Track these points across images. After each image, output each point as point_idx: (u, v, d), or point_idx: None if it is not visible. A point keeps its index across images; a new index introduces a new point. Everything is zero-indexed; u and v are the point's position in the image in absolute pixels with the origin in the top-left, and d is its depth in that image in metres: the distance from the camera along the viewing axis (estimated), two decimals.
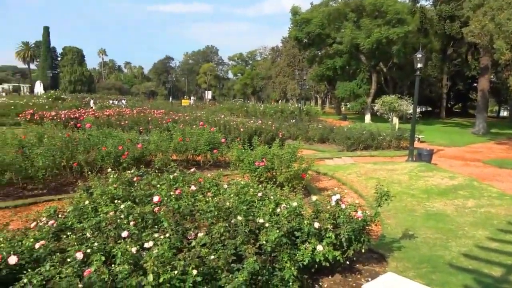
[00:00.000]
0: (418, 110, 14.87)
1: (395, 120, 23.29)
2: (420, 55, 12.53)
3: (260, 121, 17.39)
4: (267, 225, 4.28)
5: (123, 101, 38.48)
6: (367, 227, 4.81)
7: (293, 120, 23.56)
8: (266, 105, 35.78)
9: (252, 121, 17.21)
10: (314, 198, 5.12)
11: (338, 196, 5.01)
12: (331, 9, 36.74)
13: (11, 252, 3.67)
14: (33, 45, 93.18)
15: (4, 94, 59.17)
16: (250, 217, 4.49)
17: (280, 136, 14.25)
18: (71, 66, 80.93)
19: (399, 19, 32.29)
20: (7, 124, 14.52)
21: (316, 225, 4.42)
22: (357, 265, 4.93)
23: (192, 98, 78.93)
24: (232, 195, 5.07)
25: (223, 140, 11.05)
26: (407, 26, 31.85)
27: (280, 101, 65.93)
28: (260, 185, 5.67)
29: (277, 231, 4.08)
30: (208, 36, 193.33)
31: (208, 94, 67.67)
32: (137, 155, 8.95)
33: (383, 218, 6.81)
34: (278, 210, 4.68)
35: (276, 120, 21.74)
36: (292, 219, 4.49)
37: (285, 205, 4.75)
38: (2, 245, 3.85)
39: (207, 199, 4.92)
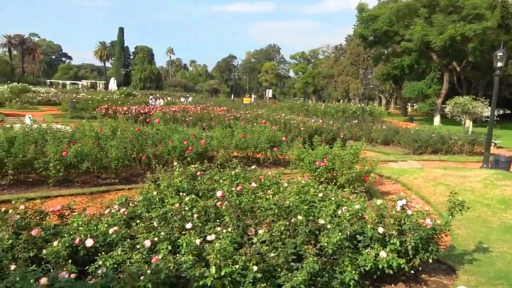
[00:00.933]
0: (495, 113, 13.65)
1: (468, 123, 21.68)
2: (501, 53, 11.50)
3: (321, 121, 17.14)
4: (328, 226, 4.20)
5: (190, 99, 40.19)
6: (435, 236, 4.53)
7: (355, 121, 22.89)
8: (327, 105, 35.17)
9: (312, 120, 17.03)
10: (378, 202, 4.93)
11: (404, 201, 4.79)
12: (400, 5, 35.05)
13: (88, 235, 4.00)
14: (109, 45, 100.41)
15: (83, 89, 64.42)
16: (311, 217, 4.44)
17: (342, 136, 13.96)
18: (142, 64, 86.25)
19: (477, 14, 29.87)
20: (85, 118, 15.85)
21: (380, 230, 4.25)
22: (423, 276, 4.67)
23: (253, 96, 79.96)
24: (292, 194, 5.04)
25: (283, 138, 11.05)
26: (485, 22, 29.36)
27: (341, 100, 64.42)
28: (320, 186, 5.58)
29: (339, 233, 3.99)
30: (271, 34, 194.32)
31: (269, 93, 68.07)
32: (200, 150, 9.26)
33: (453, 228, 6.32)
34: (339, 212, 4.58)
35: (337, 120, 21.29)
36: (354, 222, 4.37)
37: (347, 208, 4.64)
38: (80, 228, 4.21)
39: (268, 197, 4.94)
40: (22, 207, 4.56)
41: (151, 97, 37.48)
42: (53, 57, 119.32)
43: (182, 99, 41.41)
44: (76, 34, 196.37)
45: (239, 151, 10.80)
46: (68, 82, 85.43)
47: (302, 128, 14.35)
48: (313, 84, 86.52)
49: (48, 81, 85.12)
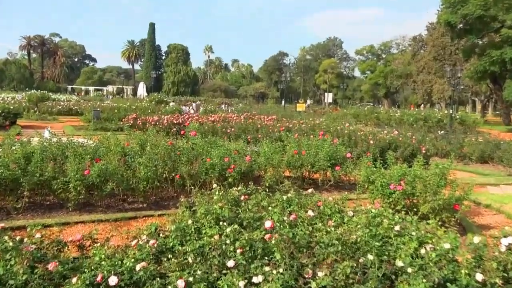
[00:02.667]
0: None
1: None
2: None
3: (396, 132, 16.74)
4: (409, 270, 4.03)
5: (193, 105, 41.07)
6: None
7: (441, 132, 22.19)
8: (404, 111, 34.29)
9: (385, 132, 16.68)
10: (475, 238, 4.65)
11: (510, 239, 4.49)
12: None
13: (112, 272, 4.12)
14: (138, 44, 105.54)
15: (110, 96, 67.97)
16: (385, 257, 4.31)
17: (423, 151, 13.59)
18: (175, 66, 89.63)
19: None
20: (110, 130, 16.71)
21: (479, 277, 4.01)
22: None
23: (308, 101, 79.88)
24: (360, 226, 4.94)
25: (348, 155, 10.88)
26: None
27: (422, 105, 62.48)
28: (396, 215, 5.40)
29: (423, 280, 3.81)
30: (330, 26, 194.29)
31: (329, 97, 67.64)
32: (244, 169, 9.34)
33: None
34: (423, 251, 4.41)
35: (418, 131, 20.78)
36: (443, 266, 4.15)
37: (433, 246, 4.43)
38: (103, 262, 4.35)
39: (328, 229, 4.86)
40: (38, 235, 4.81)
41: (193, 105, 38.84)
42: (76, 59, 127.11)
43: (223, 107, 42.57)
44: (101, 32, 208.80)
45: (292, 170, 10.77)
46: (91, 88, 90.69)
47: (371, 142, 14.14)
48: (385, 86, 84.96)
49: (69, 87, 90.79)
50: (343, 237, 4.49)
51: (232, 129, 17.07)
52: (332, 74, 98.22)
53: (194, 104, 39.37)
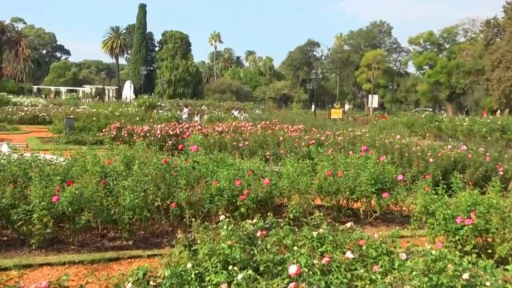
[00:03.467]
0: None
1: None
2: None
3: (463, 147, 16.53)
4: None
5: (184, 111, 41.50)
6: None
7: None
8: (474, 119, 33.93)
9: (449, 147, 16.48)
10: None
11: None
12: None
13: None
14: (124, 31, 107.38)
15: (85, 100, 68.98)
16: None
17: (501, 173, 13.40)
18: (172, 60, 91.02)
19: None
20: (87, 143, 16.87)
21: None
22: None
23: (346, 106, 80.00)
24: (416, 274, 4.88)
25: (399, 177, 10.77)
26: None
27: (499, 111, 61.79)
28: (465, 259, 5.33)
29: None
30: (377, 7, 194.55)
31: (373, 100, 67.63)
32: (261, 196, 9.32)
33: None
34: None
35: (493, 146, 20.44)
36: None
37: None
38: None
39: (374, 277, 4.82)
40: None
41: (184, 110, 39.27)
42: (44, 51, 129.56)
43: (234, 113, 42.87)
44: (77, 17, 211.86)
45: (324, 197, 10.72)
46: (63, 88, 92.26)
47: (431, 160, 14.03)
48: (449, 85, 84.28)
49: (35, 87, 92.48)
50: (393, 287, 4.44)
51: (246, 143, 17.13)
52: (378, 70, 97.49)
53: (185, 110, 39.81)
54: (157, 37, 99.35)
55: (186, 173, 9.82)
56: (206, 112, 40.53)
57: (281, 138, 17.72)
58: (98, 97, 78.38)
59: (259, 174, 10.31)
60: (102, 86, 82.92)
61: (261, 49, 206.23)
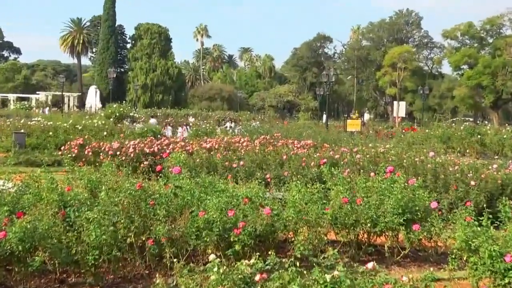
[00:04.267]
0: None
1: None
2: None
3: None
4: None
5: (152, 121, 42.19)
6: None
7: None
8: None
9: (495, 166, 16.47)
10: None
11: None
12: None
13: None
14: (87, 24, 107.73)
15: (39, 110, 69.03)
16: None
17: None
18: (148, 59, 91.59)
19: None
20: (42, 164, 16.77)
21: None
22: None
23: (366, 115, 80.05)
24: None
25: (433, 204, 10.72)
26: None
27: None
28: None
29: None
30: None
31: (400, 108, 67.76)
32: (261, 230, 9.29)
33: None
34: None
35: None
36: None
37: None
38: None
39: None
40: None
41: (168, 127, 39.63)
42: None
43: (227, 125, 42.94)
44: (29, 7, 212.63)
45: (340, 230, 10.68)
46: (12, 96, 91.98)
47: (472, 183, 13.94)
48: (493, 89, 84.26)
49: None
50: None
51: (241, 163, 17.07)
52: (405, 71, 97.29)
53: (152, 120, 40.23)
54: (129, 31, 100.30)
55: (166, 201, 9.78)
56: (191, 124, 40.48)
57: (284, 157, 17.65)
58: (56, 106, 78.31)
59: (257, 202, 10.27)
60: (60, 93, 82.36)
61: (259, 46, 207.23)
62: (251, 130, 35.81)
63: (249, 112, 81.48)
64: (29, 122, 35.79)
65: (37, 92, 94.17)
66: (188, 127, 40.98)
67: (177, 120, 50.21)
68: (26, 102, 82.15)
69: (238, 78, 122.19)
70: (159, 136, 29.55)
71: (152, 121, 41.05)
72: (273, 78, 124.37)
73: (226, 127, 42.82)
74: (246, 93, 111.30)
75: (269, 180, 15.26)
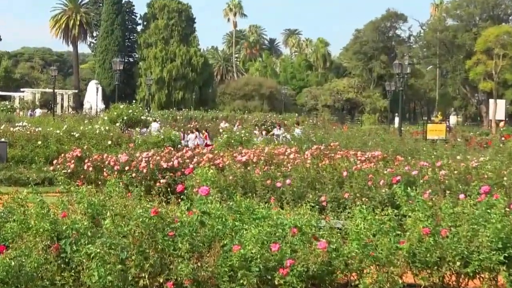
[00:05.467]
0: None
1: None
2: None
3: None
4: None
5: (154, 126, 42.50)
6: None
7: None
8: None
9: None
10: None
11: None
12: None
13: None
14: (86, 1, 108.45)
15: (24, 112, 69.72)
16: None
17: None
18: (165, 45, 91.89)
19: None
20: (29, 182, 16.92)
21: None
22: None
23: (452, 117, 79.35)
24: None
25: None
26: None
27: None
28: None
29: None
30: None
31: (498, 108, 67.06)
32: (314, 269, 9.30)
33: None
34: None
35: None
36: None
37: None
38: None
39: None
40: None
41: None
42: None
43: (277, 132, 42.83)
44: None
45: (419, 271, 10.61)
46: None
47: None
48: None
49: None
50: None
51: (288, 181, 17.01)
52: (505, 59, 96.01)
53: (154, 125, 40.69)
54: (140, 9, 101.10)
55: (190, 232, 9.82)
56: (223, 129, 40.46)
57: (345, 173, 17.59)
58: (46, 107, 78.96)
59: (309, 233, 10.27)
60: (51, 90, 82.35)
61: (309, 27, 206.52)
62: (300, 138, 35.76)
63: (296, 114, 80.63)
64: (11, 129, 35.80)
65: (22, 89, 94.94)
66: (200, 133, 40.86)
67: (203, 125, 50.19)
68: (7, 102, 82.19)
69: (282, 69, 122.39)
70: (179, 146, 29.69)
71: (154, 126, 41.19)
72: (329, 69, 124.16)
73: (273, 134, 42.73)
74: (293, 89, 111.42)
75: (324, 204, 15.23)
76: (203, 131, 42.27)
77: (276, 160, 20.57)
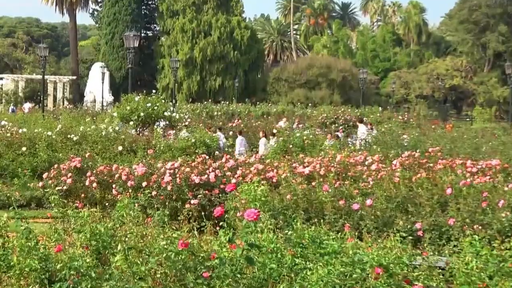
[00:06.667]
0: None
1: None
2: None
3: None
4: None
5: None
6: None
7: None
8: None
9: None
10: None
11: None
12: None
13: None
14: None
15: (3, 107, 70.33)
16: None
17: None
18: (196, 14, 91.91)
19: None
20: (11, 203, 17.05)
21: None
22: None
23: None
24: None
25: None
26: None
27: None
28: None
29: None
30: None
31: None
32: None
33: None
34: None
35: None
36: None
37: None
38: None
39: None
40: None
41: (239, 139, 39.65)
42: None
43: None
44: None
45: None
46: None
47: None
48: None
49: None
50: None
51: (369, 202, 16.86)
52: None
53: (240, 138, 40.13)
54: None
55: (233, 272, 9.85)
56: (278, 130, 40.12)
57: (449, 191, 17.39)
58: (33, 100, 79.43)
59: (399, 274, 10.24)
60: (40, 76, 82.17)
61: None
62: (386, 141, 35.50)
63: (380, 108, 79.91)
64: None
65: (3, 75, 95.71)
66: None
67: (250, 124, 50.06)
68: None
69: (360, 45, 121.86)
70: (217, 153, 29.65)
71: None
72: (425, 45, 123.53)
73: (352, 138, 42.45)
74: (375, 73, 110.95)
75: (420, 233, 15.08)
76: (261, 133, 41.50)
77: (352, 173, 20.40)
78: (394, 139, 34.71)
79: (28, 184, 23.97)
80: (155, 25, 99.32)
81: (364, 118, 55.97)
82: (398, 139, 34.76)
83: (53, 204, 14.42)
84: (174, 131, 39.92)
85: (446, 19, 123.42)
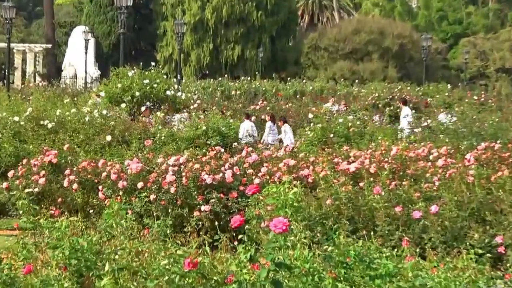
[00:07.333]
0: None
1: None
2: None
3: None
4: None
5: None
6: None
7: None
8: None
9: None
10: None
11: None
12: None
13: None
14: None
15: None
16: None
17: None
18: None
19: None
20: None
21: None
22: None
23: None
24: None
25: None
26: None
27: None
28: None
29: None
30: None
31: None
32: None
33: None
34: None
35: None
36: None
37: None
38: None
39: None
40: None
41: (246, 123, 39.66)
42: None
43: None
44: None
45: None
46: None
47: None
48: None
49: None
50: None
51: (434, 209, 16.87)
52: None
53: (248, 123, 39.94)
54: None
55: None
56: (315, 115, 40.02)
57: None
58: None
59: None
60: (5, 44, 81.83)
61: None
62: (456, 128, 35.38)
63: (448, 85, 79.56)
64: None
65: None
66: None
67: (279, 106, 50.11)
68: None
69: (422, 4, 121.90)
70: (234, 145, 29.61)
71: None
72: (508, 3, 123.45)
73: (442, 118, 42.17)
74: (443, 39, 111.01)
75: (502, 250, 15.09)
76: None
77: (413, 170, 20.37)
78: (467, 126, 34.65)
79: None
80: None
81: (407, 97, 55.96)
82: (472, 126, 34.67)
83: (21, 212, 14.47)
84: (180, 116, 39.53)
85: None
